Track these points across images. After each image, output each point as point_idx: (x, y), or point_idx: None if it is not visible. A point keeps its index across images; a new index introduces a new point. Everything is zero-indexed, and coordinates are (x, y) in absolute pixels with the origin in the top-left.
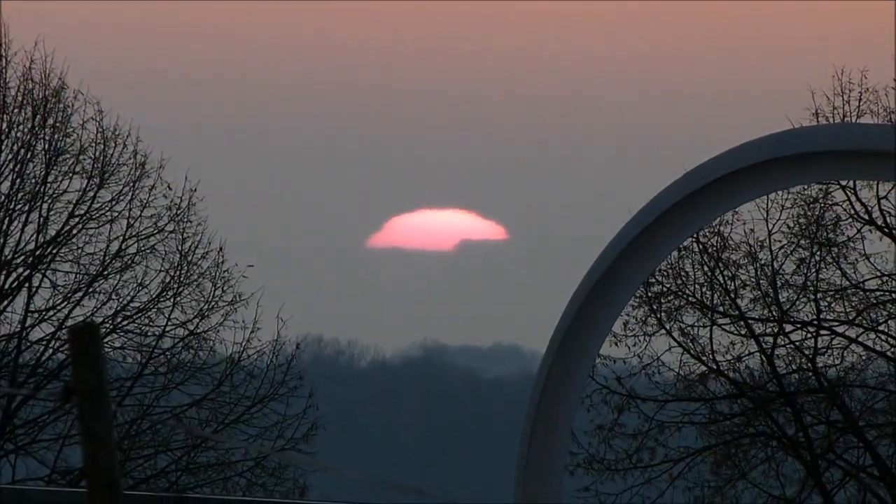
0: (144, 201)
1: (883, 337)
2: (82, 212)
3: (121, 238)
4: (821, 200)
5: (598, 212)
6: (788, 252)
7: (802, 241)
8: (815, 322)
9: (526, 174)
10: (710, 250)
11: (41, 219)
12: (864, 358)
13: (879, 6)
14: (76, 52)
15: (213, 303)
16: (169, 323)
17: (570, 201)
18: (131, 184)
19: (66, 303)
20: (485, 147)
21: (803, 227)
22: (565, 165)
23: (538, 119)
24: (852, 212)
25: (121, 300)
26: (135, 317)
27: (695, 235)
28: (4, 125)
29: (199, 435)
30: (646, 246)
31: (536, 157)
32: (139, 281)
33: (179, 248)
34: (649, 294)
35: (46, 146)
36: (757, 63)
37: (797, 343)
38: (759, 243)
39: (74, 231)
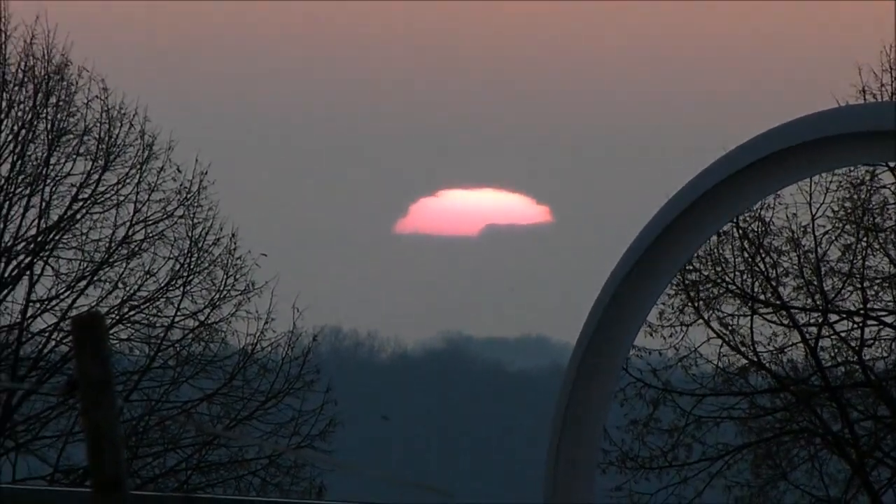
0: (152, 184)
1: None
2: (86, 195)
3: (127, 223)
4: (867, 183)
5: (637, 194)
6: (833, 238)
7: (848, 226)
8: (862, 312)
9: (560, 154)
10: (750, 236)
11: (43, 203)
12: None
13: None
14: (80, 27)
15: (224, 292)
16: (178, 313)
17: (605, 182)
18: (138, 166)
19: (69, 292)
20: (516, 126)
21: (849, 211)
22: (601, 144)
23: (577, 94)
24: None
25: (127, 289)
26: (142, 307)
27: (735, 220)
28: (4, 104)
29: (210, 432)
30: (683, 231)
31: (571, 135)
32: (147, 269)
33: (189, 233)
34: (686, 282)
35: (49, 126)
36: (802, 38)
37: (843, 334)
38: (803, 228)
39: (78, 216)
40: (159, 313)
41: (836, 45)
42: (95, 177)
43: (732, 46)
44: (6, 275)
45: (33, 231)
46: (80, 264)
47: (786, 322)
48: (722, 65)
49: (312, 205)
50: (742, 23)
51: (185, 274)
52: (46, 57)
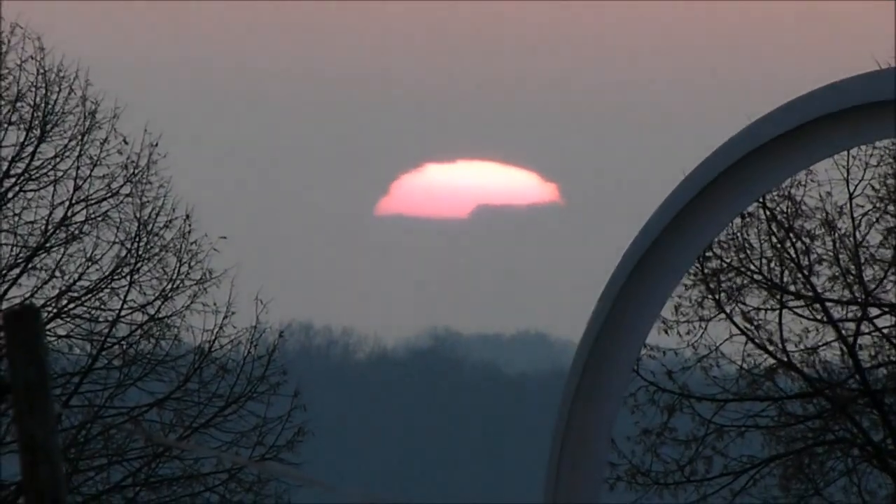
0: (95, 158)
1: None
2: (20, 171)
3: (67, 203)
4: None
5: (662, 172)
6: (874, 220)
7: (891, 207)
8: None
9: (565, 123)
10: (779, 218)
11: None
12: None
13: None
14: None
15: (178, 282)
16: (125, 306)
17: (625, 157)
18: (79, 137)
19: None
20: (514, 91)
21: (892, 189)
22: (622, 114)
23: (589, 56)
24: None
25: (66, 278)
26: (83, 299)
27: (761, 199)
28: None
29: (161, 442)
30: (701, 213)
31: (587, 101)
32: (89, 255)
33: (137, 215)
34: (706, 271)
35: None
36: None
37: (885, 330)
38: (839, 209)
39: (10, 194)
40: (103, 306)
41: (877, 1)
42: (30, 149)
43: (757, 5)
44: None
45: None
46: (11, 249)
47: (819, 316)
48: (748, 26)
49: (279, 182)
50: None
51: (133, 261)
52: None
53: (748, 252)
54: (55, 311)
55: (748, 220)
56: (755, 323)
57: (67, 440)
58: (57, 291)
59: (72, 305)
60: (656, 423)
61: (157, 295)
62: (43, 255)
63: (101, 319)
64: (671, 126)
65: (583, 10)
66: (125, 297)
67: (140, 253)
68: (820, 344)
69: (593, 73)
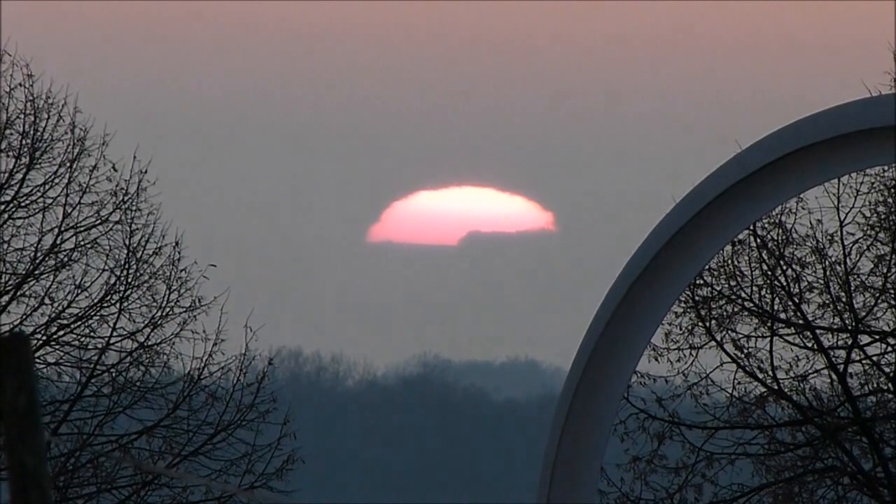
0: (84, 185)
1: None
2: (9, 198)
3: (56, 230)
4: None
5: (646, 196)
6: (865, 247)
7: (882, 235)
8: None
9: (556, 150)
10: (769, 245)
11: None
12: None
13: None
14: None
15: (167, 309)
16: (114, 333)
17: (609, 184)
18: (68, 164)
19: None
20: (505, 119)
21: (882, 216)
22: (606, 139)
23: (580, 83)
24: None
25: (56, 306)
26: (73, 326)
27: (751, 227)
28: None
29: (150, 470)
30: (692, 240)
31: (569, 128)
32: (78, 282)
33: (127, 242)
34: (696, 298)
35: None
36: (827, 19)
37: (875, 358)
38: (829, 237)
39: None
40: (92, 333)
41: (867, 28)
42: (19, 176)
43: (749, 33)
44: None
45: None
46: (0, 277)
47: (810, 344)
48: (738, 54)
49: (268, 209)
50: (756, 4)
51: (122, 288)
52: None
53: (739, 279)
54: (44, 338)
55: (739, 247)
56: (745, 350)
57: (57, 468)
58: (46, 319)
59: (61, 333)
60: (646, 451)
61: (146, 322)
62: (32, 283)
63: (90, 347)
64: (662, 154)
65: (576, 40)
66: (114, 324)
67: (129, 280)
68: (810, 371)
69: (584, 100)
